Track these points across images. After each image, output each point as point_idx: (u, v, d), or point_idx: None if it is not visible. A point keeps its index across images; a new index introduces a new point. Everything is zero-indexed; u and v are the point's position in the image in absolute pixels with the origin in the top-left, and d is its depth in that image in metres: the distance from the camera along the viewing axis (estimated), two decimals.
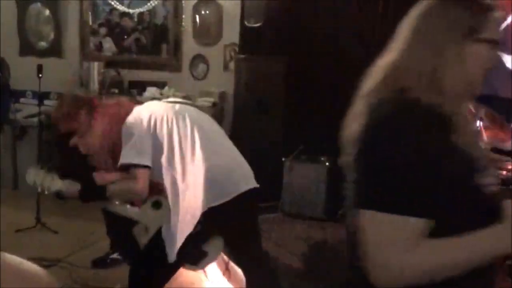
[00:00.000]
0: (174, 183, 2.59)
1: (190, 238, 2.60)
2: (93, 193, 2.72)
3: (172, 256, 2.61)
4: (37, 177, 2.68)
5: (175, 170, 2.59)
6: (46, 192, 2.69)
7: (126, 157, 2.57)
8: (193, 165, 2.57)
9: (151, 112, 2.66)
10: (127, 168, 2.60)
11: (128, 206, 2.74)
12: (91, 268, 4.02)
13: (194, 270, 2.91)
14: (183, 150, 2.59)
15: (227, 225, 2.66)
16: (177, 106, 2.76)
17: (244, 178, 2.71)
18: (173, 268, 2.73)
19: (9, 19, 6.28)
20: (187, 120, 2.66)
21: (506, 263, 3.99)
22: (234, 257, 2.84)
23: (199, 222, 2.58)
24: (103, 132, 2.68)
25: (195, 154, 2.58)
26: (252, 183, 2.71)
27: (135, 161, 2.56)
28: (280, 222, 5.08)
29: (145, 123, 2.61)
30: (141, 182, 2.56)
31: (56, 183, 2.68)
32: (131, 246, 3.00)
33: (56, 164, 3.20)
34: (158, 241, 2.64)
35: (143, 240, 2.65)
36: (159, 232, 2.67)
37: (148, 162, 2.56)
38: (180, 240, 2.58)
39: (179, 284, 3.67)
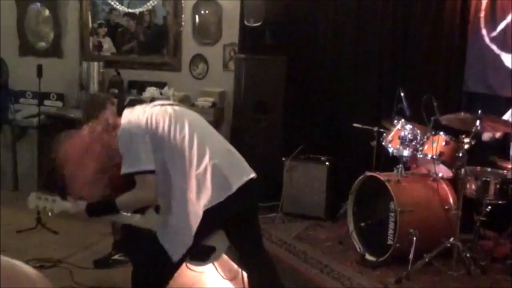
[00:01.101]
0: (175, 184, 2.58)
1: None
2: (99, 207, 2.68)
3: (176, 257, 2.60)
4: (39, 202, 2.64)
5: (177, 171, 2.57)
6: (50, 215, 2.65)
7: (128, 166, 2.53)
8: (196, 165, 2.56)
9: (147, 115, 2.63)
10: (131, 176, 2.55)
11: (135, 215, 2.71)
12: (93, 269, 4.01)
13: (202, 265, 2.90)
14: (184, 150, 2.58)
15: (229, 218, 2.67)
16: (170, 108, 2.74)
17: (244, 170, 2.72)
18: (176, 267, 2.72)
19: (9, 19, 6.28)
20: (185, 121, 2.65)
21: (506, 262, 4.01)
22: (237, 253, 2.83)
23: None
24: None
25: (196, 154, 2.57)
26: (252, 173, 2.71)
27: (141, 168, 2.52)
28: (280, 222, 5.08)
29: (142, 126, 2.59)
30: (151, 188, 2.53)
31: (59, 204, 2.63)
32: (138, 247, 3.05)
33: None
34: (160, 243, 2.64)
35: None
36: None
37: (152, 167, 2.53)
38: (189, 239, 2.56)
39: (180, 285, 3.67)
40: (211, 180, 2.56)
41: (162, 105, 2.77)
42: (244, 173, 2.70)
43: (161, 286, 2.72)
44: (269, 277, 2.84)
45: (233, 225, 2.74)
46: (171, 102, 2.99)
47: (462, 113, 4.07)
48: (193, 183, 2.55)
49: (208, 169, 2.57)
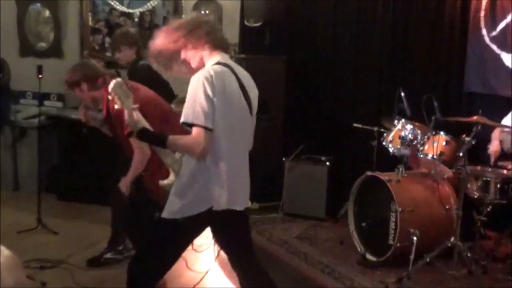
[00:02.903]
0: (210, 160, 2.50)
1: None
2: (152, 134, 2.59)
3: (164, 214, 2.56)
4: (119, 91, 2.50)
5: (218, 151, 2.49)
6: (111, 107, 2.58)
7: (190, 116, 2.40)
8: (228, 161, 2.51)
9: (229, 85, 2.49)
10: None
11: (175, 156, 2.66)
12: (92, 269, 4.02)
13: None
14: (230, 140, 2.51)
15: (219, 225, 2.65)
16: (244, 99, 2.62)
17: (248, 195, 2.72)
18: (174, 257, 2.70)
19: (9, 19, 6.28)
20: (246, 117, 2.61)
21: (507, 262, 4.01)
22: (231, 260, 2.80)
23: None
24: None
25: (235, 153, 2.56)
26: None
27: (203, 123, 2.38)
28: (281, 222, 5.08)
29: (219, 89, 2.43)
30: (204, 144, 2.39)
31: (129, 103, 2.49)
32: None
33: None
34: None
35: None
36: None
37: (212, 125, 2.40)
38: (179, 212, 2.52)
39: (181, 285, 3.68)
40: (232, 184, 2.52)
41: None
42: (248, 198, 2.68)
43: (156, 277, 2.71)
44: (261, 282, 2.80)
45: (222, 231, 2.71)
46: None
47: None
48: (221, 174, 2.50)
49: (236, 172, 2.54)
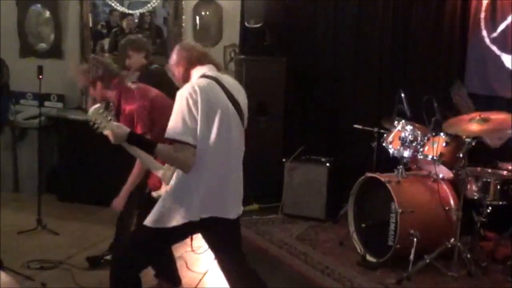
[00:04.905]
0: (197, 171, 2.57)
1: None
2: (140, 140, 2.68)
3: (148, 222, 2.60)
4: (98, 116, 2.58)
5: (205, 162, 2.55)
6: (97, 130, 2.60)
7: (174, 132, 2.47)
8: (218, 170, 2.61)
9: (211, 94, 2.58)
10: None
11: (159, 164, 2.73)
12: (93, 270, 4.02)
13: None
14: (218, 151, 2.58)
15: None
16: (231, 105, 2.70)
17: (240, 203, 2.80)
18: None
19: (10, 20, 6.29)
20: (232, 126, 2.66)
21: (507, 263, 4.01)
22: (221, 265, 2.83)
23: None
24: None
25: (224, 162, 2.63)
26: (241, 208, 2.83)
27: (182, 138, 2.46)
28: (281, 223, 5.08)
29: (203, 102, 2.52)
30: (189, 159, 2.48)
31: (111, 124, 2.56)
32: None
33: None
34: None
35: None
36: None
37: (195, 142, 2.48)
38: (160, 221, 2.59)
39: (183, 285, 3.68)
40: (222, 193, 2.60)
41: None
42: (240, 205, 2.75)
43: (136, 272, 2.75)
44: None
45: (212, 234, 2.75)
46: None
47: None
48: (210, 183, 2.56)
49: (225, 181, 2.61)
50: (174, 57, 2.76)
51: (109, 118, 2.60)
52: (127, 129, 2.59)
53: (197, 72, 2.68)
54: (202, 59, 2.73)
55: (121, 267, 2.72)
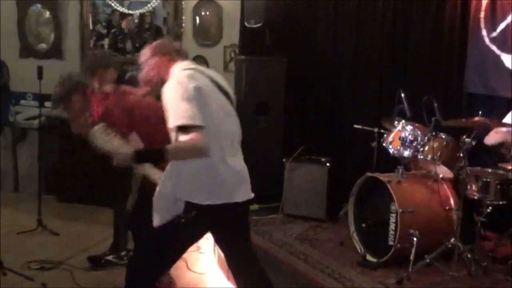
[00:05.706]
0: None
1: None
2: (147, 153, 2.69)
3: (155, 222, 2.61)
4: (102, 135, 2.54)
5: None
6: (98, 148, 2.54)
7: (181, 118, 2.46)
8: (222, 158, 2.62)
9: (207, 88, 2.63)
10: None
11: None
12: (93, 270, 4.02)
13: None
14: (220, 137, 2.63)
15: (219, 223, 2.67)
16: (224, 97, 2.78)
17: (249, 187, 2.80)
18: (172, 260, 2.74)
19: (10, 20, 6.29)
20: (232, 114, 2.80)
21: (508, 263, 4.01)
22: (227, 255, 2.81)
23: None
24: None
25: (228, 149, 2.68)
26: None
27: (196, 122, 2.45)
28: (281, 223, 5.08)
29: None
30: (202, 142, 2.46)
31: (113, 143, 2.51)
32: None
33: None
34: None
35: None
36: None
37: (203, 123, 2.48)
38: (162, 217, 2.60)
39: (182, 285, 3.68)
40: (228, 179, 2.58)
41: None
42: (250, 189, 2.74)
43: (155, 277, 2.75)
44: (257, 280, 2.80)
45: (221, 230, 2.74)
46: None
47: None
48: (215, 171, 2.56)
49: (231, 168, 2.61)
50: (147, 52, 2.80)
51: (111, 138, 2.54)
52: (130, 149, 2.53)
53: (178, 67, 2.71)
54: (180, 54, 2.80)
55: (140, 273, 2.65)
